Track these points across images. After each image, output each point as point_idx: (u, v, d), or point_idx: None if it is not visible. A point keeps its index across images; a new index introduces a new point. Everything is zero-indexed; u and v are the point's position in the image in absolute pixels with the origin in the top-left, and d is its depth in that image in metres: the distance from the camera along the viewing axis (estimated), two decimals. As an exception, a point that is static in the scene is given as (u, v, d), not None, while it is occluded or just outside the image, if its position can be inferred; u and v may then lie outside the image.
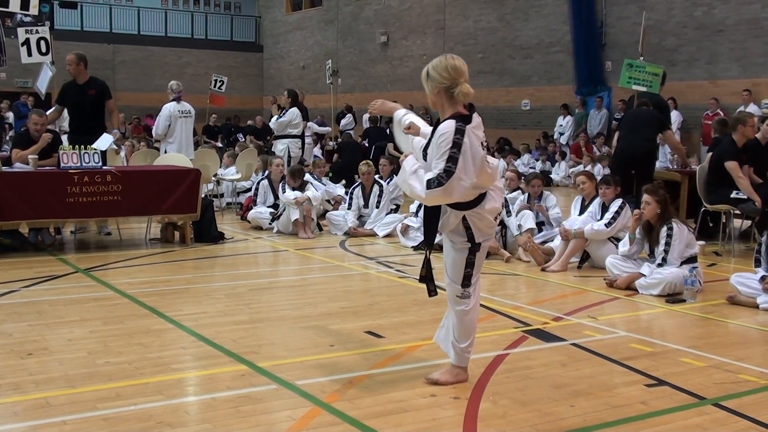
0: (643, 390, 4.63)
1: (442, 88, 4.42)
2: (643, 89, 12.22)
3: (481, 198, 4.44)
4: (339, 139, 21.00)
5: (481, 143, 4.38)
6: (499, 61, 23.39)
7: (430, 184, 4.22)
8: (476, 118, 4.40)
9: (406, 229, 10.10)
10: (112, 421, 4.04)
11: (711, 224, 10.59)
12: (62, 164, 8.96)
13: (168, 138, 12.20)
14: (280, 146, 13.95)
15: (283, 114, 13.91)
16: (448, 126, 4.28)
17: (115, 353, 5.24)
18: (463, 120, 4.30)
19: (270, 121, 14.93)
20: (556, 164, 20.10)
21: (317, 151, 21.27)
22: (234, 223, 12.03)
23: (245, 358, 5.13)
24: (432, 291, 4.68)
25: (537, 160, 20.47)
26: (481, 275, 4.69)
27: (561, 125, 21.45)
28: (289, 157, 13.46)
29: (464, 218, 4.47)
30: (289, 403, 4.33)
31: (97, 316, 6.26)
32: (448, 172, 4.18)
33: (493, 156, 18.70)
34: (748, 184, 9.24)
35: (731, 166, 9.30)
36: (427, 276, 4.67)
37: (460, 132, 4.24)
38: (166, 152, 12.02)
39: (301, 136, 14.41)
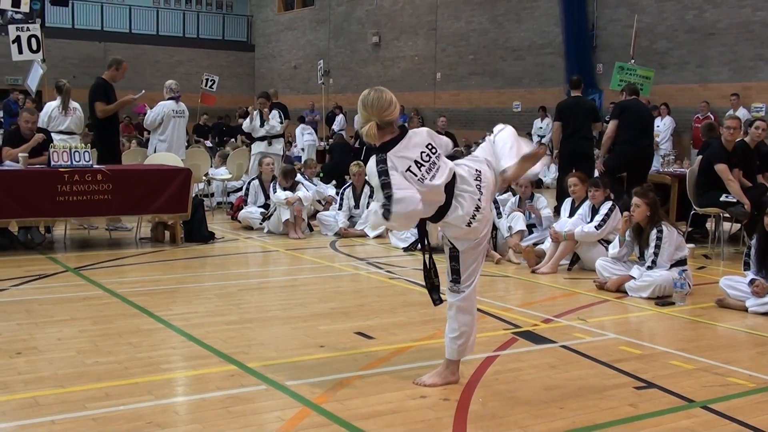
0: (632, 392, 4.65)
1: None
2: (635, 92, 12.23)
3: (444, 209, 4.43)
4: (330, 140, 21.00)
5: (416, 161, 4.34)
6: (491, 62, 23.42)
7: (384, 214, 4.28)
8: (409, 137, 4.39)
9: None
10: (102, 421, 4.03)
11: (696, 234, 10.61)
12: (53, 162, 8.93)
13: (160, 135, 12.14)
14: (262, 144, 13.81)
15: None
16: (370, 166, 4.38)
17: (105, 353, 5.23)
18: (381, 149, 4.36)
19: (245, 125, 14.20)
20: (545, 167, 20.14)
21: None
22: (224, 223, 12.01)
23: (235, 359, 5.13)
24: (436, 300, 4.74)
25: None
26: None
27: (540, 127, 21.50)
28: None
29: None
30: (278, 404, 4.33)
31: (86, 315, 6.24)
32: (388, 197, 4.24)
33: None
34: (737, 187, 9.27)
35: (721, 168, 9.33)
36: (427, 286, 4.72)
37: (380, 163, 4.32)
38: (155, 150, 11.97)
39: (283, 135, 14.22)
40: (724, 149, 9.46)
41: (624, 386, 4.76)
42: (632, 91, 11.17)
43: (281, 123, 13.31)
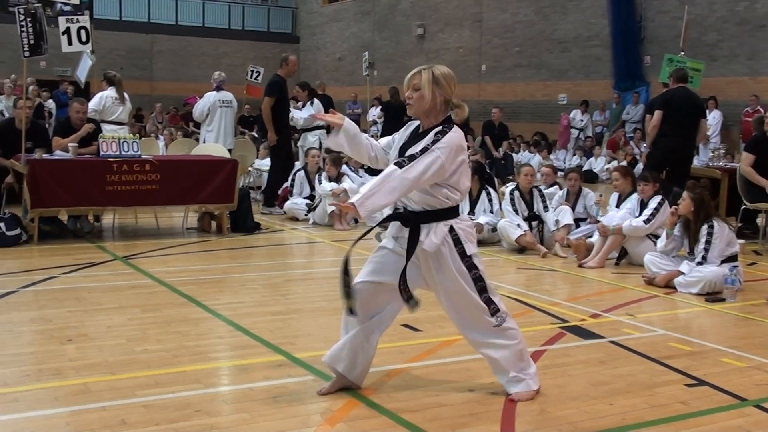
0: (683, 390, 4.58)
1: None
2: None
3: None
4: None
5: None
6: (537, 54, 23.24)
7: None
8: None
9: None
10: (152, 408, 4.06)
11: (747, 230, 10.35)
12: (102, 152, 9.04)
13: (207, 126, 12.25)
14: (311, 138, 13.48)
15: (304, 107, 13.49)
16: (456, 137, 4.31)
17: (154, 341, 5.28)
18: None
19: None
20: (591, 158, 19.89)
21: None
22: (270, 214, 12.06)
23: (282, 349, 5.15)
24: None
25: (574, 155, 20.33)
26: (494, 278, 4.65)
27: (582, 120, 21.28)
28: (320, 147, 13.18)
29: None
30: (326, 395, 4.33)
31: (135, 303, 6.31)
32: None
33: (530, 151, 18.66)
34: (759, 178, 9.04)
35: (747, 159, 9.10)
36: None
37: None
38: (204, 140, 12.07)
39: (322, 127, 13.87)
40: (758, 143, 9.21)
41: (674, 383, 4.69)
42: (680, 77, 10.31)
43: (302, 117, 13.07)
